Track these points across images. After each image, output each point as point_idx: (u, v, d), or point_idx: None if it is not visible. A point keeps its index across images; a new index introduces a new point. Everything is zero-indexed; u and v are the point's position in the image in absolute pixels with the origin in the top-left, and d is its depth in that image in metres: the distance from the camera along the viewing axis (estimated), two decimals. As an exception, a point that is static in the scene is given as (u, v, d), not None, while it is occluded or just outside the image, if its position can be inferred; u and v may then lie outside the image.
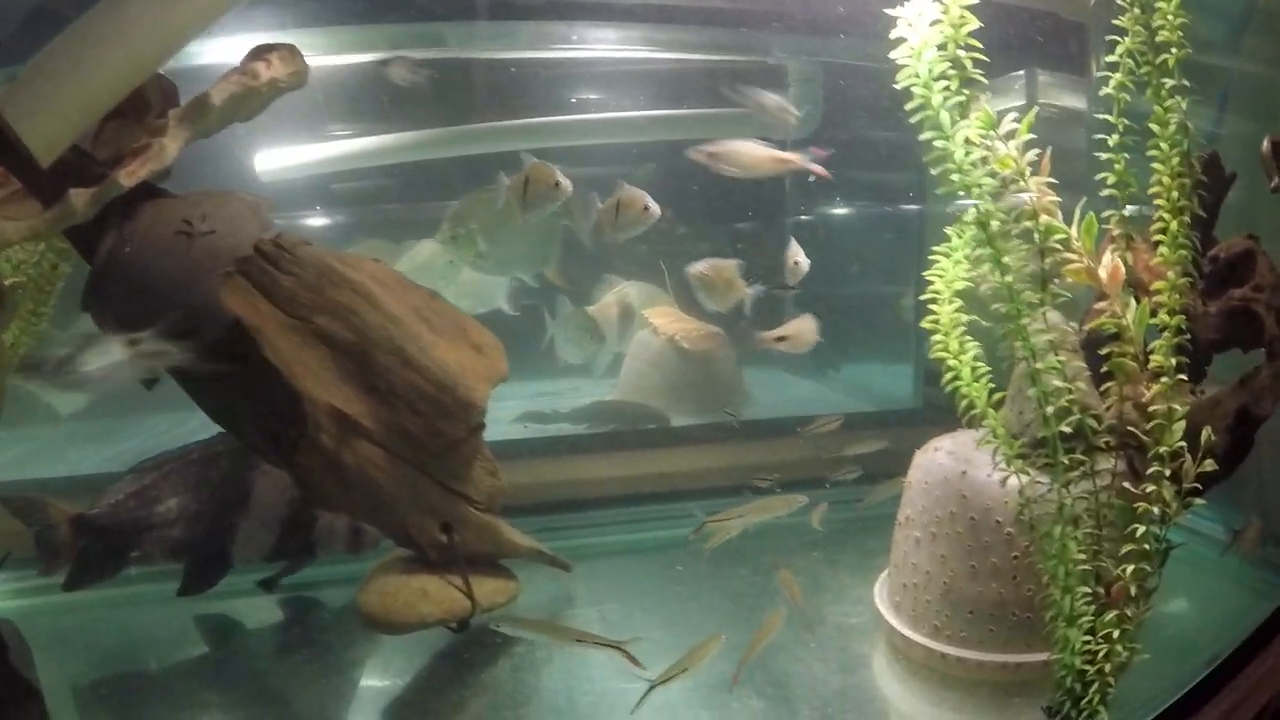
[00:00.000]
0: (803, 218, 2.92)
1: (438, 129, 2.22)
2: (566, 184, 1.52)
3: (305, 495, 1.45)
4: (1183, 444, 1.19)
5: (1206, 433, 1.21)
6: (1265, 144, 1.42)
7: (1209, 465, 1.22)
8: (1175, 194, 1.21)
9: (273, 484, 1.59)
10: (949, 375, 1.28)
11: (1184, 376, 1.22)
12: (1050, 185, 1.17)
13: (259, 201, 1.38)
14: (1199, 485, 1.23)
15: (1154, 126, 1.23)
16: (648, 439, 2.18)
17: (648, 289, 2.48)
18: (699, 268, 1.46)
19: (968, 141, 1.14)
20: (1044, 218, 1.16)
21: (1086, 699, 1.22)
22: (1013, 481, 1.23)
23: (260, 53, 1.37)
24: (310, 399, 1.36)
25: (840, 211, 2.73)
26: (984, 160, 1.15)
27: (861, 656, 1.47)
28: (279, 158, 2.12)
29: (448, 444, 1.47)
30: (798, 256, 1.45)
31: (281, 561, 1.63)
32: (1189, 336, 1.25)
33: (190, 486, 1.56)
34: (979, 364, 1.28)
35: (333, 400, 1.37)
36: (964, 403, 1.27)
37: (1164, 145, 1.22)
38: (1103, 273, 1.21)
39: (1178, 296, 1.19)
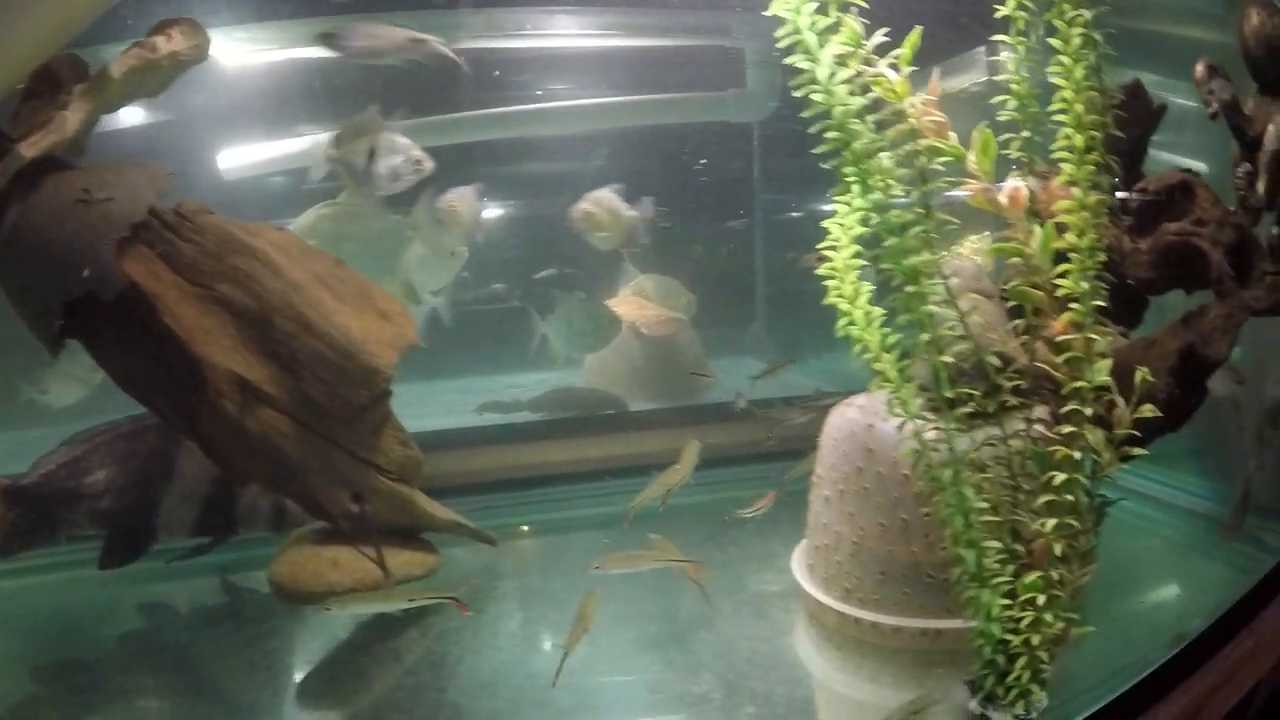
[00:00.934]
0: (793, 213, 2.86)
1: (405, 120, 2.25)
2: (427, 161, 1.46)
3: (216, 465, 1.46)
4: (1108, 385, 1.08)
5: (1141, 374, 1.10)
6: (1199, 67, 1.31)
7: (1148, 410, 1.11)
8: (1080, 108, 1.10)
9: (198, 460, 1.60)
10: (843, 321, 1.20)
11: (1102, 304, 1.10)
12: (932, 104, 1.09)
13: (156, 170, 1.41)
14: (1137, 434, 1.12)
15: (1055, 42, 1.14)
16: (605, 424, 2.14)
17: (665, 282, 2.44)
18: (583, 207, 1.41)
19: (837, 60, 1.07)
20: (927, 140, 1.08)
21: (1014, 675, 1.11)
22: (908, 429, 1.14)
23: (161, 27, 1.41)
24: (211, 365, 1.36)
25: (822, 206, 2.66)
26: (861, 86, 1.08)
27: (779, 624, 1.40)
28: (244, 155, 2.18)
29: (352, 411, 1.46)
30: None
31: (206, 538, 1.64)
32: (1104, 262, 1.14)
33: (119, 459, 1.59)
34: (874, 309, 1.19)
35: (234, 367, 1.38)
36: (857, 348, 1.18)
37: (1067, 59, 1.12)
38: (1003, 198, 1.12)
39: (1087, 216, 1.08)
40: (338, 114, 2.25)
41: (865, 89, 1.08)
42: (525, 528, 1.90)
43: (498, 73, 2.40)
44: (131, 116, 1.96)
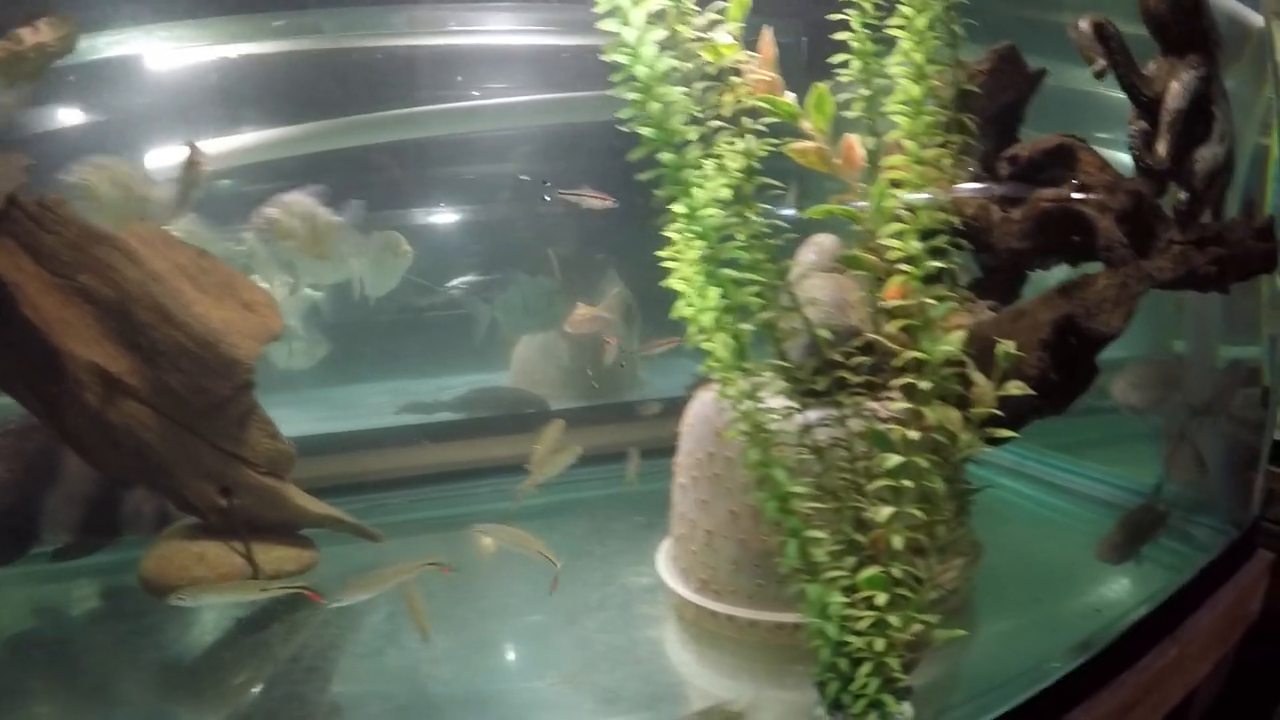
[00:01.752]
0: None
1: (323, 121, 2.24)
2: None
3: (81, 458, 1.44)
4: (954, 358, 0.98)
5: (1004, 347, 1.00)
6: (1084, 24, 1.21)
7: (1014, 388, 1.01)
8: (919, 57, 1.01)
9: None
10: (682, 302, 1.11)
11: (941, 266, 1.00)
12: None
13: (14, 160, 1.40)
14: (1000, 414, 1.02)
15: None
16: (520, 423, 2.09)
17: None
18: (267, 212, 1.30)
19: (649, 20, 1.00)
20: (745, 95, 1.01)
21: (858, 683, 1.01)
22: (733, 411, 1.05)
23: (28, 18, 1.41)
24: (70, 356, 1.34)
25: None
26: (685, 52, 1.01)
27: (643, 617, 1.32)
28: (169, 157, 2.18)
29: (214, 402, 1.42)
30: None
31: (90, 538, 1.62)
32: (965, 228, 1.05)
33: (5, 457, 1.58)
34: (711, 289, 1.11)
35: (94, 358, 1.36)
36: (692, 329, 1.10)
37: (909, 8, 1.03)
38: (837, 157, 1.04)
39: (924, 171, 0.98)
40: (268, 113, 2.28)
41: (691, 55, 1.02)
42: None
43: (460, 78, 2.38)
44: (60, 118, 1.99)
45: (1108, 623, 1.29)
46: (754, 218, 1.03)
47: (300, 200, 1.29)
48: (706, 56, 1.03)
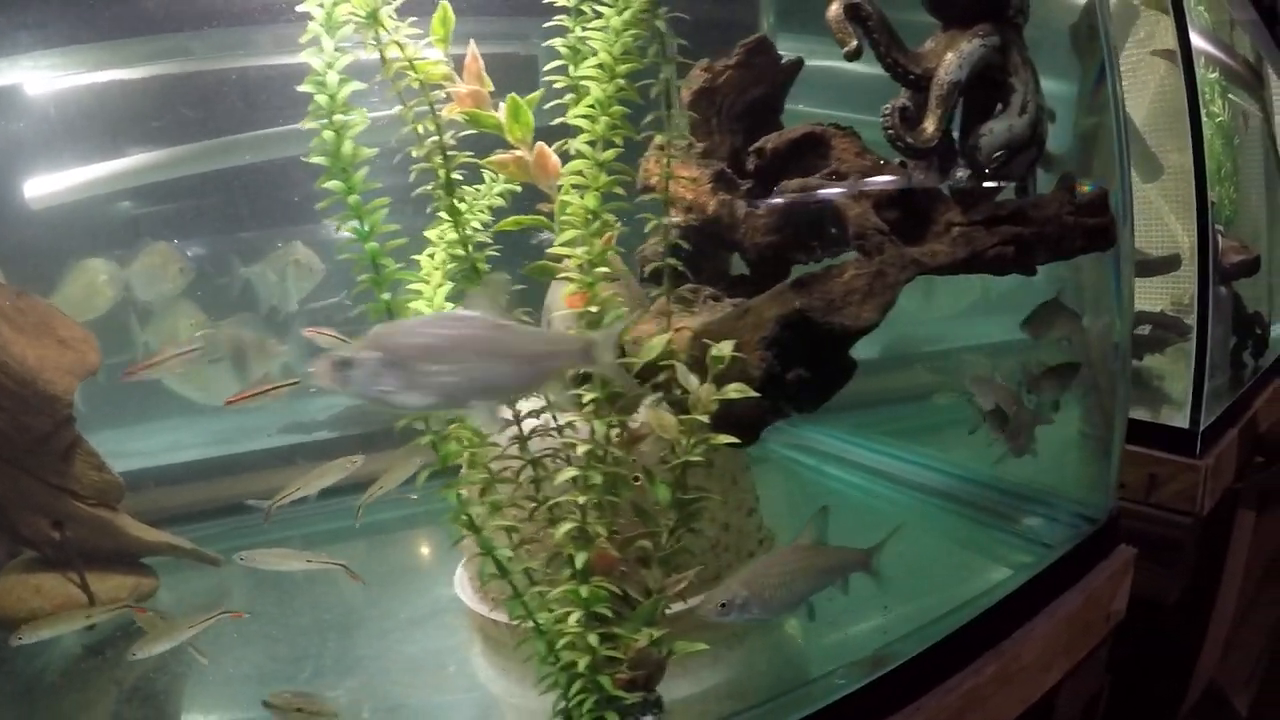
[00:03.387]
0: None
1: (203, 142, 2.26)
2: None
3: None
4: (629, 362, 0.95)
5: (718, 349, 0.97)
6: (834, 6, 1.15)
7: (734, 391, 0.98)
8: (608, 56, 0.96)
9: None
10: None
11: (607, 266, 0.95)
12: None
13: None
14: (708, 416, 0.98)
15: None
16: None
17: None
18: None
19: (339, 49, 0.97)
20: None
21: (573, 700, 0.98)
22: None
23: None
24: (-107, 399, 1.39)
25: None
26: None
27: (451, 628, 1.34)
28: (49, 184, 2.23)
29: (36, 438, 1.46)
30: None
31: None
32: (696, 227, 1.01)
33: None
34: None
35: (-90, 399, 1.40)
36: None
37: (606, 8, 0.99)
38: (533, 166, 1.01)
39: (598, 173, 0.94)
40: (147, 138, 2.31)
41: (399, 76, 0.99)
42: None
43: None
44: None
45: (913, 631, 1.22)
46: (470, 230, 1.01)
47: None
48: (412, 75, 1.01)
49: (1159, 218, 2.12)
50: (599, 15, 0.98)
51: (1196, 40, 1.84)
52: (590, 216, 0.91)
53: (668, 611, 1.03)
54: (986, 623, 1.26)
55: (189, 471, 2.10)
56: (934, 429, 1.75)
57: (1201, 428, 1.78)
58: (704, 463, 1.01)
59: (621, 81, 0.96)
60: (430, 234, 1.06)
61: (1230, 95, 2.36)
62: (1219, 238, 1.91)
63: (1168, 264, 2.07)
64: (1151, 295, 2.20)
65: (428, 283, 1.06)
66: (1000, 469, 1.55)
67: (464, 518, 0.96)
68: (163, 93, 2.26)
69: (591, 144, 0.94)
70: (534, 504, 1.01)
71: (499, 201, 1.08)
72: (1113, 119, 1.48)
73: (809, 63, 1.66)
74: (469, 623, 1.37)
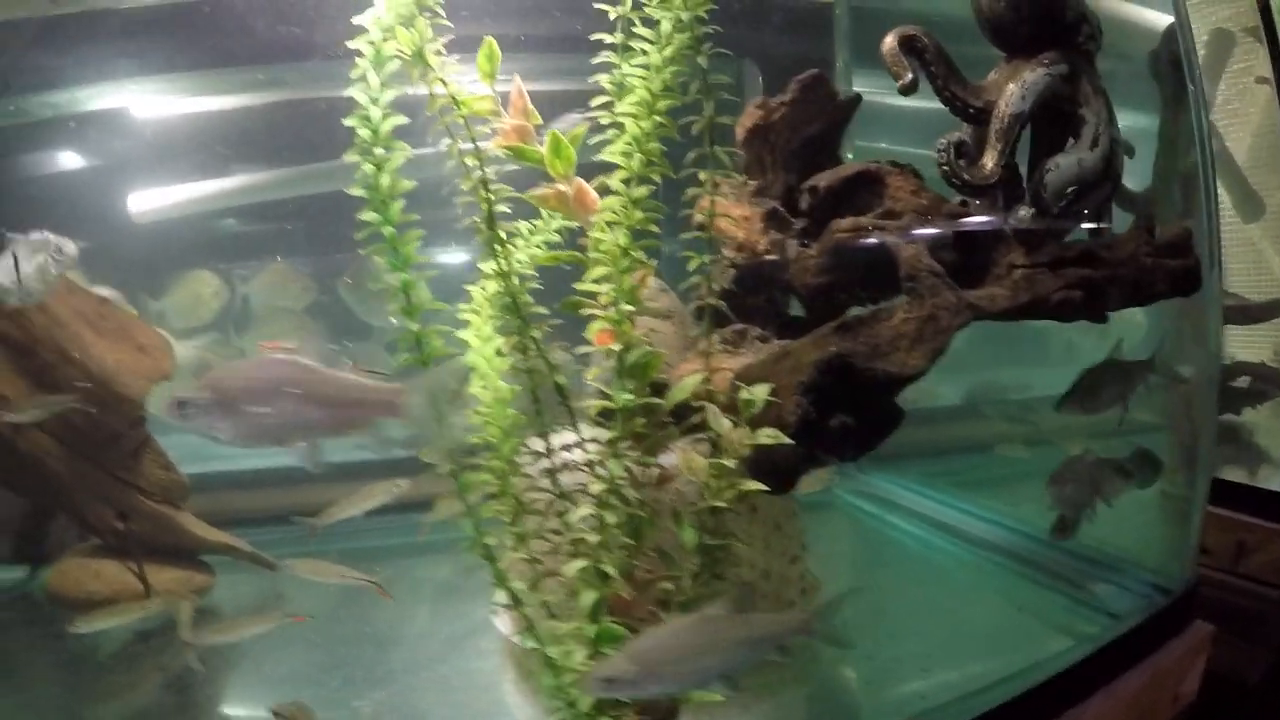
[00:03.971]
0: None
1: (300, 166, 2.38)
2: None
3: None
4: (658, 403, 0.93)
5: (749, 393, 0.94)
6: (890, 38, 1.11)
7: (766, 436, 0.95)
8: (647, 92, 0.94)
9: (10, 495, 1.73)
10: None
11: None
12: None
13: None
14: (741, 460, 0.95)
15: (644, 31, 1.00)
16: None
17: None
18: None
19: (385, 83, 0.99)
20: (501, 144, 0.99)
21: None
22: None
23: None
24: (-15, 392, 1.51)
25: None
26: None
27: (485, 652, 1.35)
28: (153, 199, 2.39)
29: (109, 435, 1.55)
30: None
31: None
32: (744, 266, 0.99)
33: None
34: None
35: (4, 392, 1.52)
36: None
37: (652, 46, 0.98)
38: (572, 200, 1.01)
39: (632, 210, 0.93)
40: (244, 160, 2.44)
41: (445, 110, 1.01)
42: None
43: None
44: (48, 164, 2.22)
45: (953, 701, 1.14)
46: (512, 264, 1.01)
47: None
48: (456, 104, 1.03)
49: (1262, 260, 1.95)
50: (645, 53, 0.97)
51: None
52: (621, 253, 0.90)
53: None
54: (1036, 698, 1.17)
55: (260, 478, 2.16)
56: (1003, 481, 1.65)
57: (1298, 492, 1.63)
58: (731, 508, 0.98)
59: (660, 118, 0.95)
60: (484, 266, 1.07)
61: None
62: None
63: (1269, 310, 1.90)
64: (1252, 344, 2.02)
65: (478, 314, 1.07)
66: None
67: (481, 547, 0.95)
68: (258, 119, 2.40)
69: (629, 182, 0.93)
70: (557, 537, 1.00)
71: (554, 237, 1.08)
72: (1198, 152, 1.38)
73: (887, 101, 1.61)
74: (504, 647, 1.37)
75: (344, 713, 1.24)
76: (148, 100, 2.30)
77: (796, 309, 1.38)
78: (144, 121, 2.32)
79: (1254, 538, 1.64)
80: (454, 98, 1.00)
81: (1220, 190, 2.01)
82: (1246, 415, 1.96)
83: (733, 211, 1.17)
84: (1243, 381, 1.97)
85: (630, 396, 0.89)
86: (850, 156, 1.51)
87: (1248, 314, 1.93)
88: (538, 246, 1.09)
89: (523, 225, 1.15)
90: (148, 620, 1.56)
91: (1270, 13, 1.84)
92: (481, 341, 1.06)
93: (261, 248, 2.62)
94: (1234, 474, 1.77)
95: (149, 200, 2.38)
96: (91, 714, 1.43)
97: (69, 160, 2.24)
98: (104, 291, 1.64)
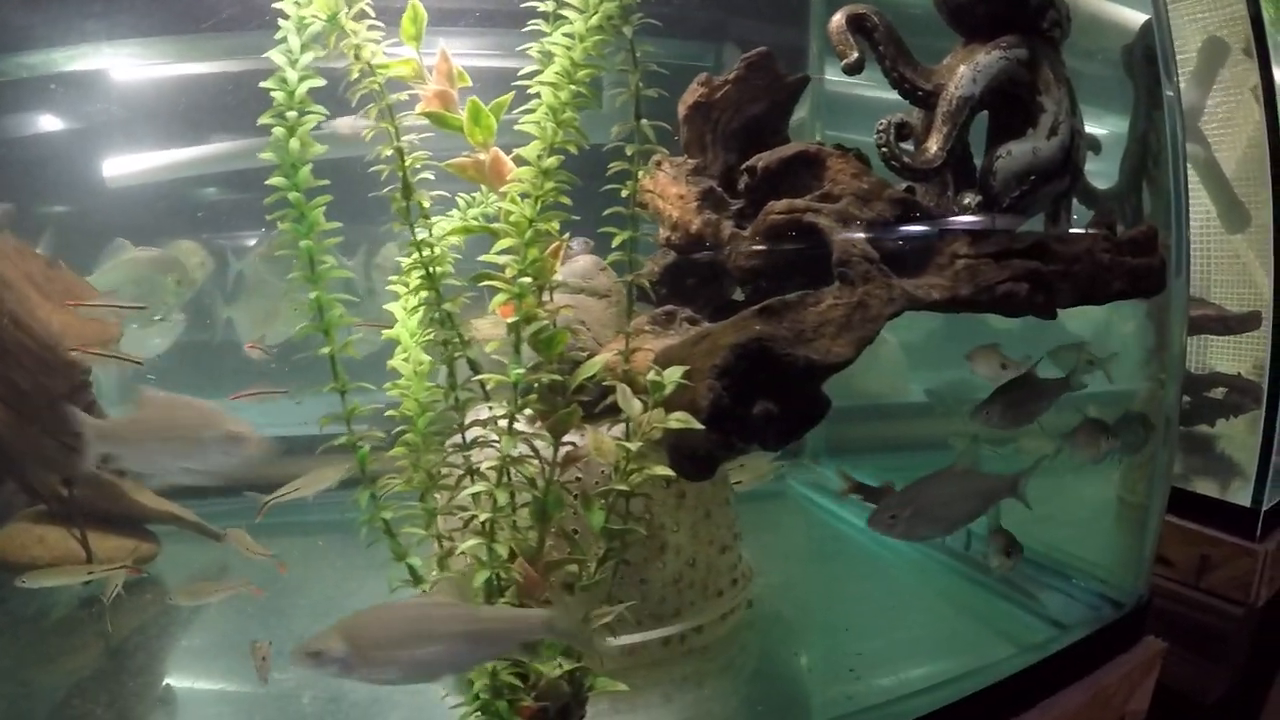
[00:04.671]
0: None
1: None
2: None
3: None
4: (563, 381, 0.90)
5: (659, 375, 0.92)
6: (837, 17, 1.08)
7: (676, 420, 0.92)
8: (567, 62, 0.91)
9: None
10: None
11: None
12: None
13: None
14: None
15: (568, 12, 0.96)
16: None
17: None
18: None
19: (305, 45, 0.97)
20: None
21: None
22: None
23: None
24: (-70, 352, 1.50)
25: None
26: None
27: None
28: (128, 164, 2.37)
29: (52, 400, 1.54)
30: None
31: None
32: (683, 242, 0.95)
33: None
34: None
35: (-50, 354, 1.51)
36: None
37: (573, 12, 0.94)
38: (486, 168, 0.98)
39: (543, 181, 0.89)
40: (222, 128, 2.42)
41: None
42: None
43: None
44: (23, 126, 2.21)
45: (877, 705, 1.11)
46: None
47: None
48: (381, 73, 1.00)
49: (1246, 273, 1.89)
50: (571, 21, 0.94)
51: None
52: (527, 224, 0.87)
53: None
54: (967, 709, 1.13)
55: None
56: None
57: (1265, 507, 1.57)
58: (638, 493, 0.95)
59: (581, 88, 0.92)
60: (397, 235, 1.04)
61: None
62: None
63: (1247, 322, 1.84)
64: (1232, 356, 1.97)
65: (407, 285, 1.04)
66: (1021, 530, 1.40)
67: (380, 522, 0.93)
68: (241, 85, 2.38)
69: (543, 154, 0.89)
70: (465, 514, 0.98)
71: (494, 209, 1.05)
72: (1169, 153, 1.33)
73: (858, 92, 1.56)
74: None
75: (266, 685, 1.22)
76: (127, 63, 2.29)
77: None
78: (124, 84, 2.31)
79: (1219, 552, 1.59)
80: (369, 64, 0.97)
81: (1206, 200, 1.96)
82: (1220, 428, 1.91)
83: (669, 190, 1.13)
84: (1218, 393, 1.92)
85: (521, 372, 0.86)
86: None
87: (1226, 324, 1.88)
88: (475, 219, 1.07)
89: (462, 197, 1.13)
90: (89, 588, 1.57)
91: (1261, 23, 1.78)
92: (407, 314, 1.04)
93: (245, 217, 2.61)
94: (1205, 486, 1.72)
95: (125, 165, 2.38)
96: (33, 677, 1.43)
97: (46, 123, 2.23)
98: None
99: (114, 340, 1.58)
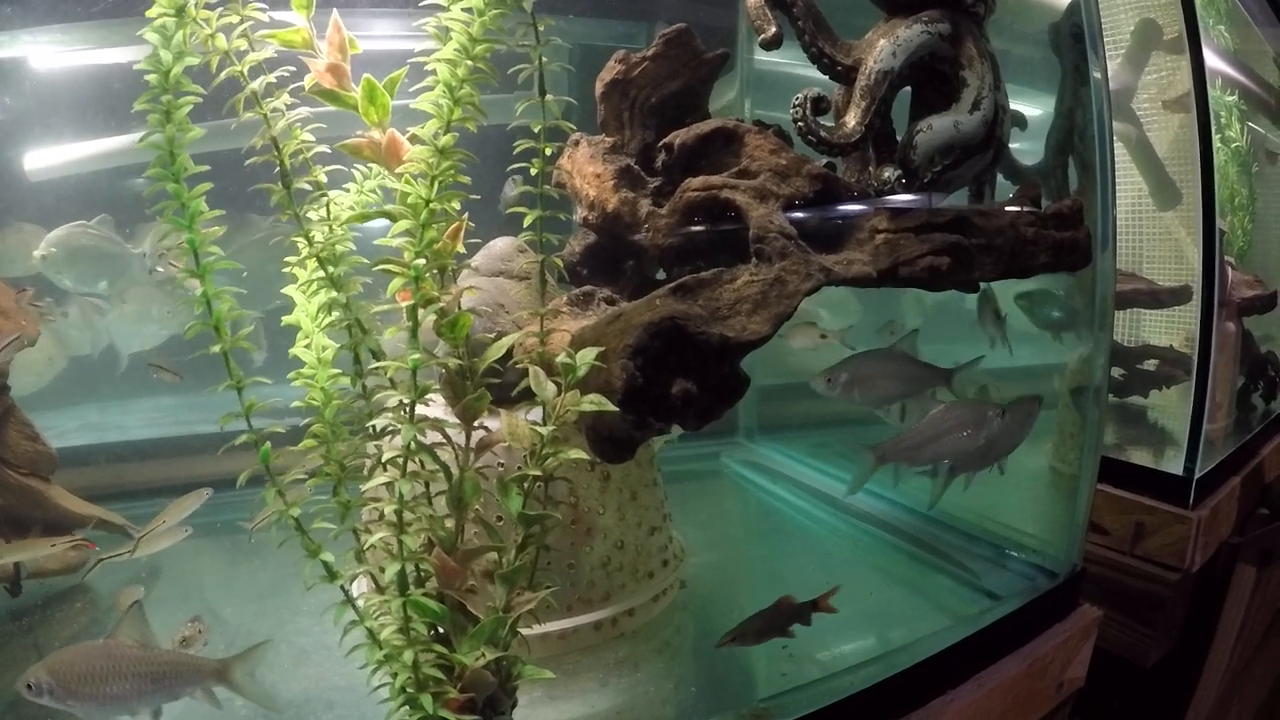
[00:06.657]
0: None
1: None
2: None
3: None
4: (467, 365, 0.88)
5: (572, 356, 0.90)
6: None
7: (590, 402, 0.90)
8: (465, 39, 0.88)
9: None
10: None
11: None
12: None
13: None
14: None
15: None
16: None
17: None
18: None
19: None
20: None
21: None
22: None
23: None
24: None
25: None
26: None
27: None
28: (48, 157, 2.28)
29: (-31, 404, 1.49)
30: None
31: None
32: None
33: None
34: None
35: None
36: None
37: None
38: (382, 149, 0.95)
39: (440, 160, 0.87)
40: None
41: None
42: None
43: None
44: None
45: (812, 683, 1.10)
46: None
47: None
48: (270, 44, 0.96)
49: (1178, 249, 1.92)
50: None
51: (1213, 60, 1.67)
52: (423, 204, 0.84)
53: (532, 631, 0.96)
54: (903, 682, 1.12)
55: (156, 448, 2.10)
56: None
57: (1197, 475, 1.60)
58: (552, 477, 0.93)
59: (480, 64, 0.89)
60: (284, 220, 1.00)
61: (1251, 123, 2.14)
62: (1229, 269, 1.71)
63: (1177, 296, 1.88)
64: (1163, 329, 2.00)
65: (304, 269, 1.01)
66: (954, 503, 1.40)
67: (290, 519, 0.90)
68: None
69: (439, 132, 0.87)
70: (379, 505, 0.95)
71: (372, 197, 1.02)
72: (1096, 129, 1.33)
73: (791, 71, 1.54)
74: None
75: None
76: (46, 51, 2.20)
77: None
78: (43, 73, 2.22)
79: (1153, 520, 1.61)
80: (246, 36, 0.93)
81: (1139, 178, 1.98)
82: (1153, 399, 1.94)
83: (586, 169, 1.11)
84: (1151, 365, 1.96)
85: (418, 357, 0.84)
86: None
87: (1157, 298, 1.91)
88: (372, 191, 1.04)
89: (359, 170, 1.09)
90: (18, 601, 1.52)
91: (1193, 7, 1.80)
92: (306, 299, 1.01)
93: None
94: (1139, 456, 1.75)
95: (46, 157, 2.29)
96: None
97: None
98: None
99: (32, 341, 1.52)
